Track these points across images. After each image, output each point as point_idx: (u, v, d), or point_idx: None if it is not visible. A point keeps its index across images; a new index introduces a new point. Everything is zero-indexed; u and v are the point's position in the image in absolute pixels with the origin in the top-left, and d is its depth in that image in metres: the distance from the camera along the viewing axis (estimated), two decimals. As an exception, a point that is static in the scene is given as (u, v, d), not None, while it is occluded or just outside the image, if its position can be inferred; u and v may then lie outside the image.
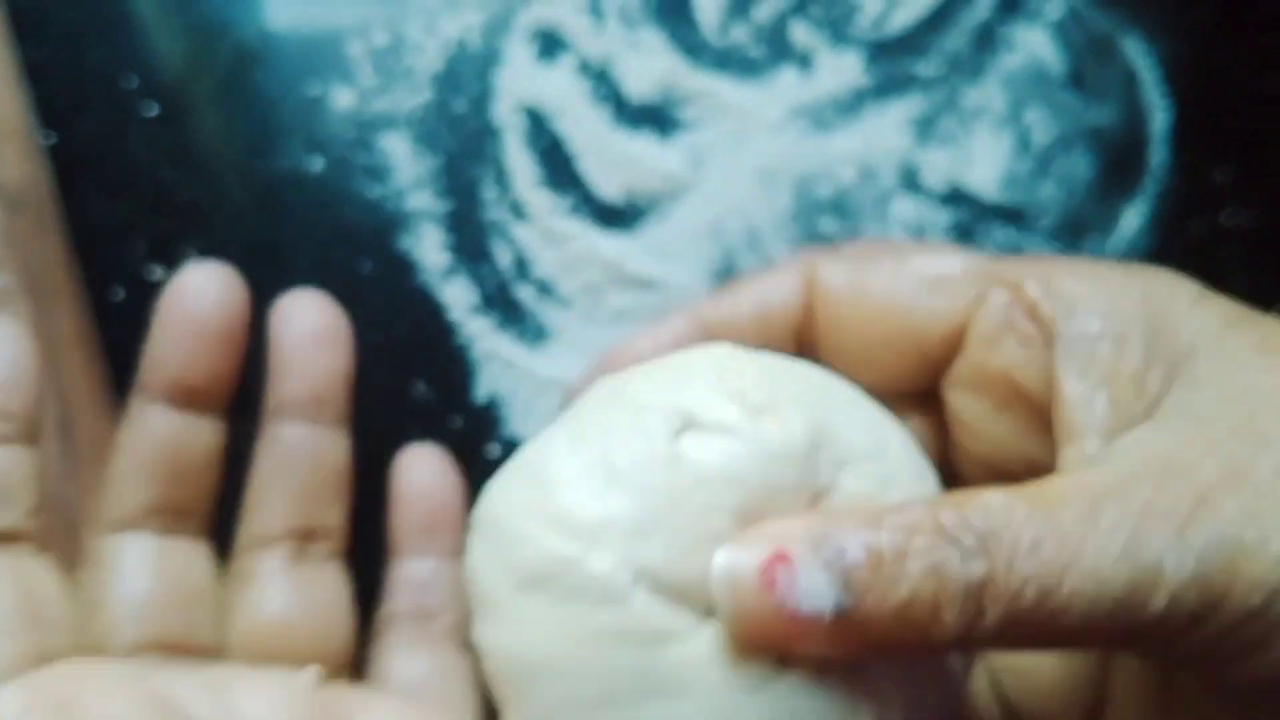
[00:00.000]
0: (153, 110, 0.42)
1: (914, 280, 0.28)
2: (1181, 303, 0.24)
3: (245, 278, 0.41)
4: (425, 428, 0.41)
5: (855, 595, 0.19)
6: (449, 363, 0.42)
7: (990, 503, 0.20)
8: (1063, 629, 0.19)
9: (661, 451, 0.23)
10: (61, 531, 0.36)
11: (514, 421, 0.41)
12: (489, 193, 0.43)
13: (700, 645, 0.22)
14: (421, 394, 0.41)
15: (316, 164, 0.42)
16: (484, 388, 0.42)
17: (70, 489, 0.36)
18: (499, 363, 0.42)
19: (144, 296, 0.41)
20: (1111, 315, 0.23)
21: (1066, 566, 0.19)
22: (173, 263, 0.41)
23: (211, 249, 0.41)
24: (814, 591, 0.19)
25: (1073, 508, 0.20)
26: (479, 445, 0.41)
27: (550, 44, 0.43)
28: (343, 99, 0.42)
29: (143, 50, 0.42)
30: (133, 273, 0.41)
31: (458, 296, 0.42)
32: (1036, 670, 0.26)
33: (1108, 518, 0.20)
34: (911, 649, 0.20)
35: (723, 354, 0.27)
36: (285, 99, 0.42)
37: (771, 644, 0.20)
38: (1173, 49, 0.45)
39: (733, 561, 0.20)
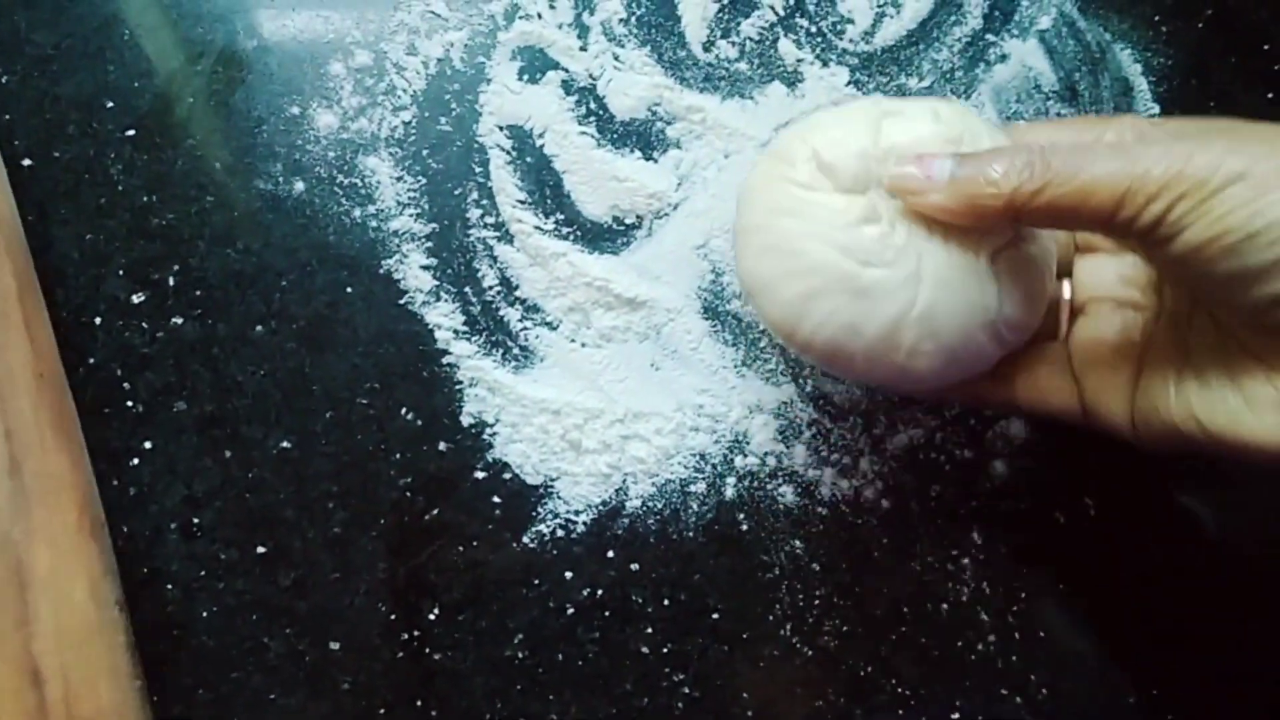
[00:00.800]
0: (130, 133, 0.41)
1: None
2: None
3: (226, 303, 0.40)
4: (412, 453, 0.40)
5: (962, 168, 0.32)
6: (435, 386, 0.41)
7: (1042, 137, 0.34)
8: (1084, 209, 0.30)
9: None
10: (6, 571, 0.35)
11: (500, 445, 0.41)
12: (473, 213, 0.42)
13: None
14: (408, 419, 0.40)
15: (298, 186, 0.41)
16: (470, 411, 0.41)
17: (18, 528, 0.35)
18: (485, 386, 0.41)
19: (122, 322, 0.40)
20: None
21: (1081, 167, 0.30)
22: (152, 288, 0.41)
23: (190, 274, 0.40)
24: (941, 166, 0.32)
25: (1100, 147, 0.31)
26: (466, 470, 0.40)
27: (535, 62, 0.42)
28: (324, 119, 0.42)
29: (120, 74, 0.41)
30: (110, 298, 0.40)
31: (442, 319, 0.41)
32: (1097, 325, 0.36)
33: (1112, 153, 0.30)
34: (995, 209, 0.31)
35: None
36: (266, 120, 0.42)
37: (920, 196, 0.33)
38: (1163, 62, 0.44)
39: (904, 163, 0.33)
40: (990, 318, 0.34)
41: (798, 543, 0.41)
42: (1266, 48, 0.45)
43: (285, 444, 0.40)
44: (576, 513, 0.40)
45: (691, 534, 0.41)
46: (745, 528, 0.41)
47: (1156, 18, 0.45)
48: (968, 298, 0.33)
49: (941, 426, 0.42)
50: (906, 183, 0.33)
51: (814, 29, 0.43)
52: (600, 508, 0.41)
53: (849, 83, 0.43)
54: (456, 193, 0.42)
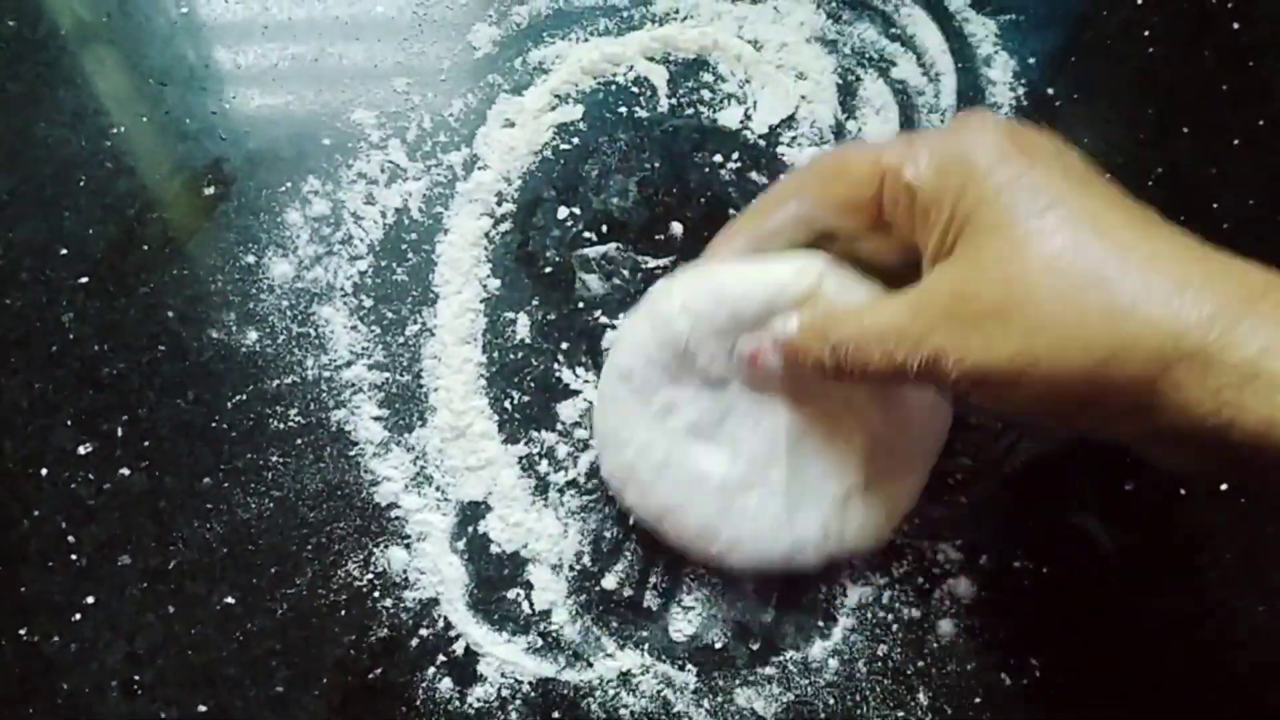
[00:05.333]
0: (83, 281, 0.41)
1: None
2: (982, 166, 0.32)
3: (174, 455, 0.40)
4: (357, 609, 0.40)
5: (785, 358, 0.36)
6: (382, 541, 0.41)
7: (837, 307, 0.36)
8: (870, 370, 0.33)
9: None
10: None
11: (446, 604, 0.40)
12: (428, 363, 0.42)
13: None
14: (354, 574, 0.40)
15: (250, 335, 0.41)
16: (418, 567, 0.41)
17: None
18: (433, 540, 0.41)
19: (69, 473, 0.40)
20: (938, 183, 0.33)
21: (865, 328, 0.33)
22: (100, 439, 0.40)
23: (139, 425, 0.40)
24: (770, 359, 0.36)
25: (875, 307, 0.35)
26: (412, 629, 0.40)
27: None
28: (280, 268, 0.42)
29: (75, 221, 0.42)
30: (58, 449, 0.40)
31: (392, 471, 0.41)
32: None
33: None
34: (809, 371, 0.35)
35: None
36: (221, 269, 0.42)
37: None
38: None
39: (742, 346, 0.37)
40: (824, 548, 0.38)
41: (742, 702, 0.41)
42: (1216, 206, 0.46)
43: (229, 599, 0.40)
44: (523, 675, 0.40)
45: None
46: (692, 685, 0.41)
47: (1107, 176, 0.46)
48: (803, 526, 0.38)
49: (890, 585, 0.42)
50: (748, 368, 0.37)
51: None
52: (547, 675, 0.40)
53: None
54: (411, 343, 0.42)
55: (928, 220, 0.33)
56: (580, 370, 0.42)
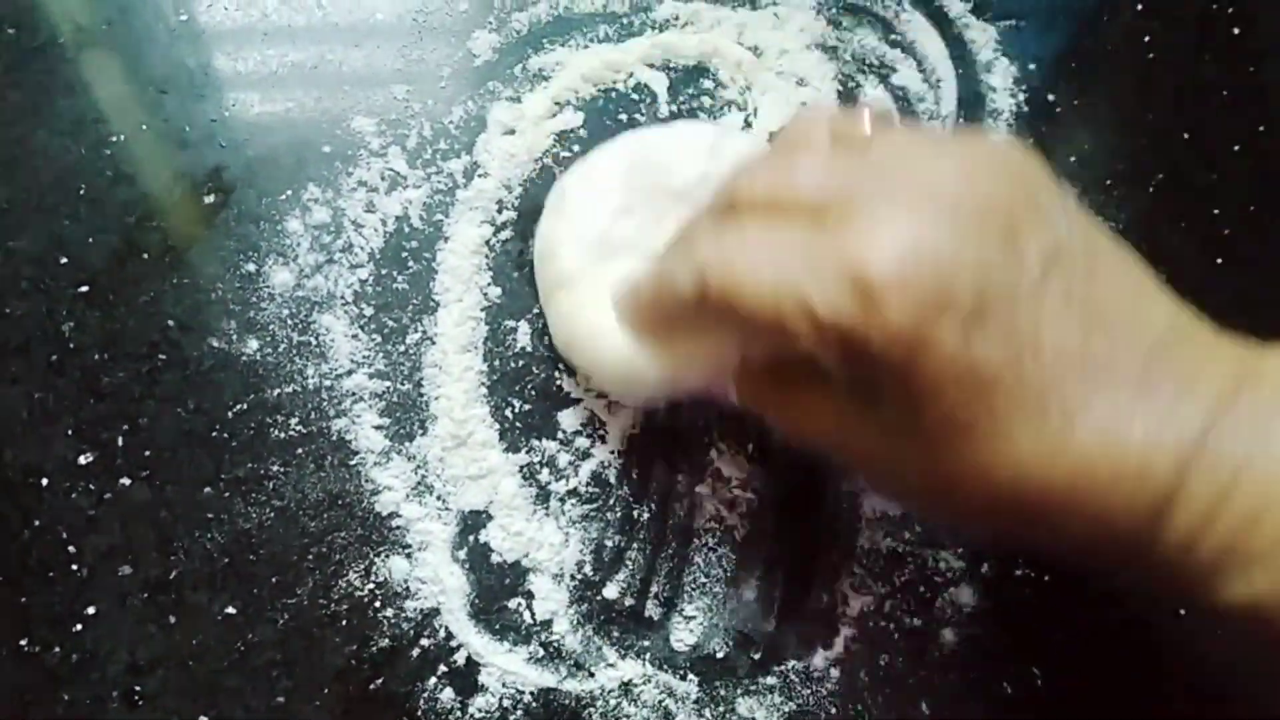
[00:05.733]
0: (83, 290, 0.41)
1: None
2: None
3: (175, 464, 0.40)
4: (358, 619, 0.40)
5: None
6: (384, 551, 0.40)
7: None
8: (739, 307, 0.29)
9: None
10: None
11: (447, 614, 0.40)
12: (429, 371, 0.42)
13: None
14: (355, 584, 0.40)
15: (251, 344, 0.41)
16: (418, 576, 0.41)
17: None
18: (434, 549, 0.41)
19: (70, 483, 0.40)
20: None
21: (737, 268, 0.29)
22: (101, 448, 0.40)
23: (140, 434, 0.40)
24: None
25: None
26: (413, 638, 0.40)
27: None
28: (280, 276, 0.42)
29: (74, 229, 0.41)
30: (59, 459, 0.40)
31: (393, 480, 0.41)
32: None
33: None
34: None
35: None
36: (221, 277, 0.42)
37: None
38: (1114, 225, 0.45)
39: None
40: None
41: (744, 712, 0.41)
42: (1216, 212, 0.46)
43: (230, 609, 0.40)
44: (524, 685, 0.40)
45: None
46: (694, 695, 0.41)
47: (1108, 182, 0.46)
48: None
49: (891, 594, 0.42)
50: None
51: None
52: (549, 685, 0.40)
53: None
54: (412, 351, 0.42)
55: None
56: (582, 379, 0.42)
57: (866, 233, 0.27)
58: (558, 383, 0.42)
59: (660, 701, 0.41)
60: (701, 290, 0.30)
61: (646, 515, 0.42)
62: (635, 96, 0.45)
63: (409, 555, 0.41)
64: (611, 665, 0.41)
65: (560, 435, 0.42)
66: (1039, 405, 0.27)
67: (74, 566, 0.40)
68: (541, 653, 0.40)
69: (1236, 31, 0.48)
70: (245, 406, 0.41)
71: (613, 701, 0.40)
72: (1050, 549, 0.29)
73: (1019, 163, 0.29)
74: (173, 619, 0.39)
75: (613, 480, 0.42)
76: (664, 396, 0.41)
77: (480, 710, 0.40)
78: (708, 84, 0.45)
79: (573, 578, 0.41)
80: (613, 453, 0.42)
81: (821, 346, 0.28)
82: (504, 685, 0.40)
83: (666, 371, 0.37)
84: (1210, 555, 0.27)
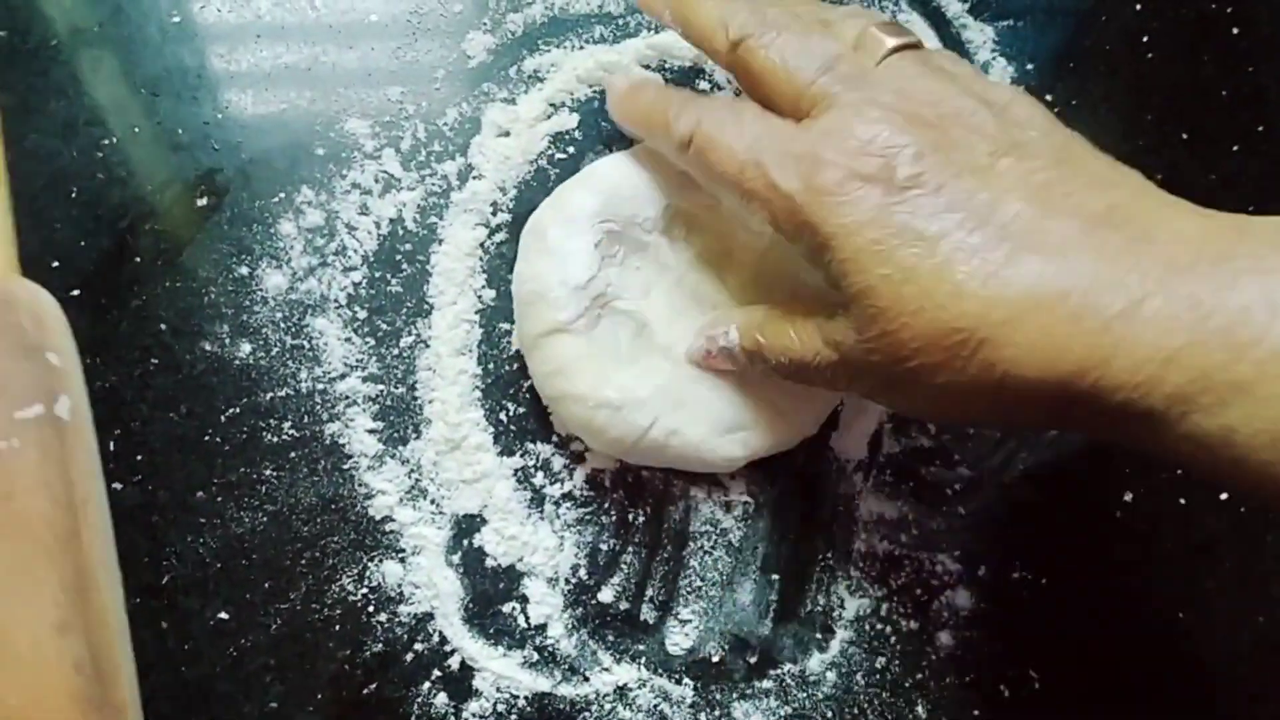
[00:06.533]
0: (75, 294, 0.41)
1: None
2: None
3: (167, 469, 0.40)
4: (351, 624, 0.40)
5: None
6: (377, 556, 0.40)
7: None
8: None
9: None
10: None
11: (441, 618, 0.40)
12: (422, 375, 0.42)
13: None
14: (348, 589, 0.40)
15: (244, 348, 0.41)
16: (412, 581, 0.40)
17: None
18: (427, 554, 0.40)
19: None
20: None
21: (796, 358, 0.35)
22: (91, 453, 0.40)
23: (132, 438, 0.40)
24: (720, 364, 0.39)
25: None
26: (407, 643, 0.40)
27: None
28: (273, 280, 0.42)
29: (66, 233, 0.41)
30: (50, 463, 0.40)
31: (386, 485, 0.41)
32: None
33: None
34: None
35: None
36: (214, 280, 0.41)
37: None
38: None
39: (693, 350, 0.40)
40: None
41: (739, 716, 0.41)
42: (1215, 213, 0.45)
43: (223, 615, 0.39)
44: (518, 690, 0.40)
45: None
46: (689, 699, 0.41)
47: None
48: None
49: (888, 597, 0.42)
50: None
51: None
52: (543, 690, 0.40)
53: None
54: (405, 355, 0.42)
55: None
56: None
57: (825, 125, 0.32)
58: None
59: (655, 706, 0.40)
60: (688, 136, 0.35)
61: (641, 519, 0.42)
62: (630, 98, 0.45)
63: (402, 560, 0.40)
64: (606, 669, 0.40)
65: (555, 439, 0.42)
66: (984, 249, 0.29)
67: (66, 571, 0.39)
68: (536, 657, 0.40)
69: (1235, 32, 0.48)
70: (238, 410, 0.41)
71: (608, 706, 0.40)
72: (1000, 410, 0.31)
73: (1025, 110, 0.33)
74: (164, 624, 0.39)
75: (607, 484, 0.42)
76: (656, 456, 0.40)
77: (475, 715, 0.40)
78: (703, 85, 0.45)
79: (567, 582, 0.41)
80: (609, 456, 0.42)
81: (774, 212, 0.33)
82: (498, 690, 0.40)
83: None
84: (1175, 389, 0.27)
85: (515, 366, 0.42)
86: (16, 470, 0.31)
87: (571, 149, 0.44)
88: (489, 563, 0.41)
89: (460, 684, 0.40)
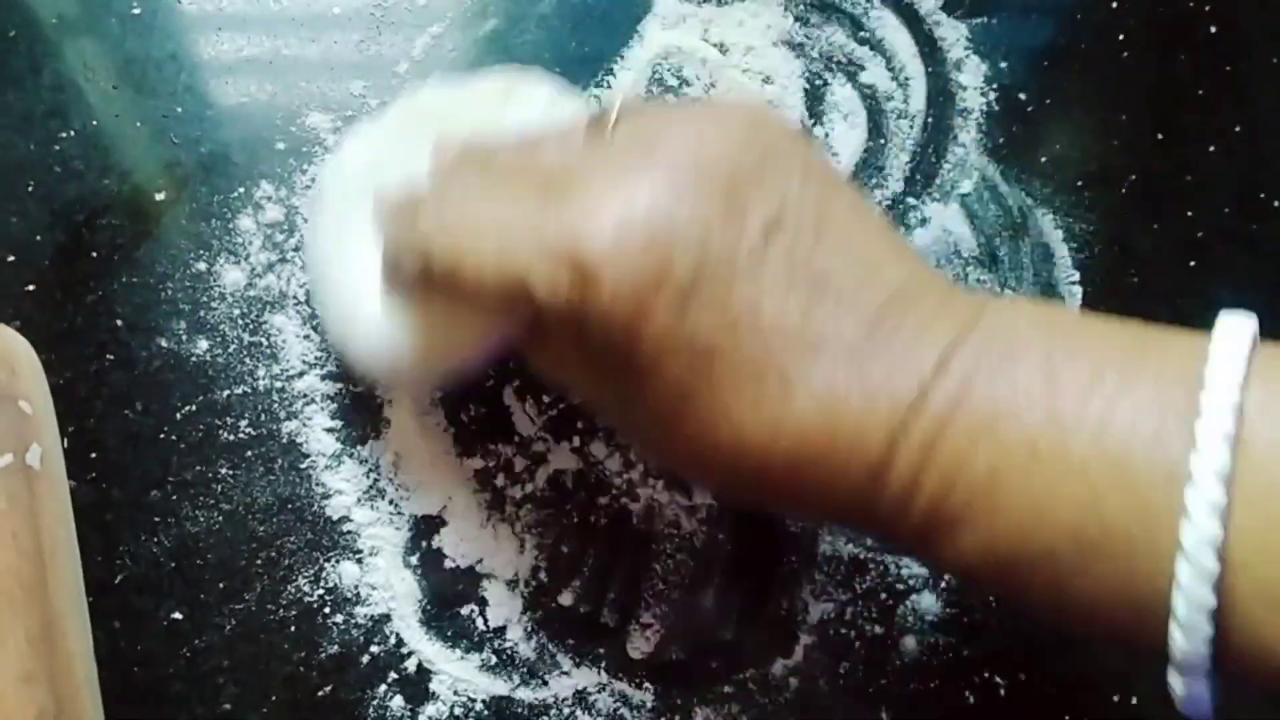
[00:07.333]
0: (30, 288, 0.40)
1: None
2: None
3: (121, 466, 0.40)
4: (307, 625, 0.39)
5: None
6: (333, 556, 0.40)
7: None
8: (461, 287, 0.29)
9: None
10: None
11: (398, 620, 0.40)
12: (381, 373, 0.41)
13: None
14: (304, 589, 0.40)
15: (201, 344, 0.40)
16: (369, 582, 0.40)
17: None
18: (385, 555, 0.40)
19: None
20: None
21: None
22: (45, 450, 0.39)
23: (86, 436, 0.40)
24: None
25: None
26: (362, 645, 0.39)
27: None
28: (231, 276, 0.41)
29: (21, 226, 0.41)
30: (2, 460, 0.39)
31: (344, 484, 0.40)
32: None
33: None
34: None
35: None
36: (171, 276, 0.41)
37: None
38: (1084, 228, 0.44)
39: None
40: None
41: (702, 721, 0.40)
42: (1190, 214, 0.45)
43: (176, 615, 0.39)
44: (476, 693, 0.39)
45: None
46: (650, 703, 0.40)
47: (1079, 183, 0.45)
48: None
49: (852, 601, 0.41)
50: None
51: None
52: (501, 693, 0.40)
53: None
54: (365, 352, 0.41)
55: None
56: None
57: (584, 206, 0.27)
58: (515, 386, 0.42)
59: (615, 710, 0.40)
60: (425, 264, 0.30)
61: (604, 521, 0.41)
62: (596, 91, 0.44)
63: (360, 560, 0.40)
64: (566, 673, 0.40)
65: (516, 439, 0.41)
66: (756, 376, 0.27)
67: (17, 570, 0.39)
68: (494, 660, 0.40)
69: (1213, 30, 0.47)
70: (194, 408, 0.40)
71: (567, 710, 0.40)
72: (787, 510, 0.30)
73: (751, 124, 0.29)
74: (117, 624, 0.39)
75: (570, 486, 0.41)
76: (440, 376, 0.38)
77: (431, 718, 0.39)
78: (672, 81, 0.45)
79: (527, 584, 0.41)
80: (571, 457, 0.41)
81: (548, 322, 0.28)
82: (455, 693, 0.39)
83: (427, 349, 0.34)
84: (919, 522, 0.26)
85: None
86: None
87: (536, 145, 0.43)
88: (448, 564, 0.40)
89: (417, 686, 0.39)
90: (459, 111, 0.36)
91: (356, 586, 0.40)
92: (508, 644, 0.40)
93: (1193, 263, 0.45)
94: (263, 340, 0.41)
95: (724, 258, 0.26)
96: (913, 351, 0.27)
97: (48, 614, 0.32)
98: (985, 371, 0.26)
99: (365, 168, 0.36)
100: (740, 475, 0.28)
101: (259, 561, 0.39)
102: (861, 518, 0.28)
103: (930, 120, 0.45)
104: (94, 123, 0.42)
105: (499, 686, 0.40)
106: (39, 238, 0.41)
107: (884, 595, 0.41)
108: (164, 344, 0.40)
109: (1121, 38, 0.46)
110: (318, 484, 0.40)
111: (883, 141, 0.45)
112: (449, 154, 0.33)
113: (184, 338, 0.40)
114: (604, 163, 0.28)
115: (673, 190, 0.27)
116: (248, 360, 0.41)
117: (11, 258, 0.40)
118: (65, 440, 0.39)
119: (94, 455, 0.40)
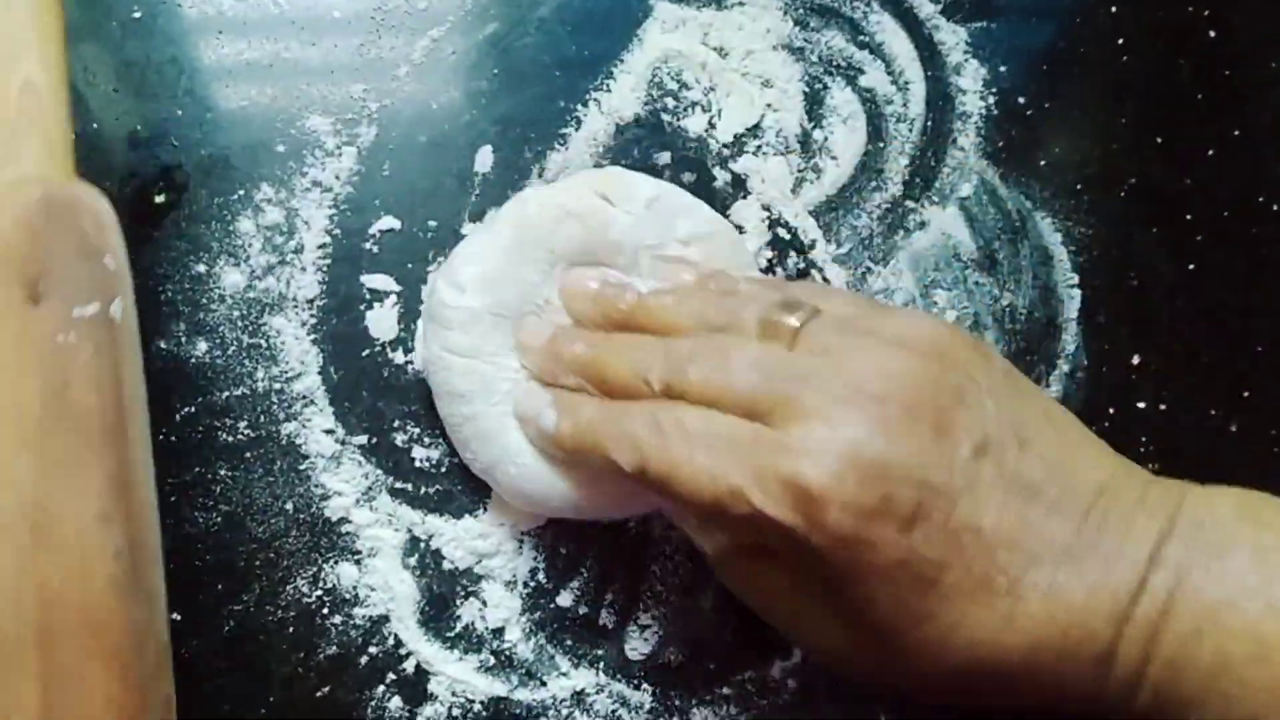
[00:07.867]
0: (31, 290, 0.40)
1: None
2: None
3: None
4: (305, 627, 0.39)
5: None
6: (332, 557, 0.40)
7: None
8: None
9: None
10: None
11: (396, 621, 0.40)
12: (381, 373, 0.41)
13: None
14: (302, 590, 0.40)
15: (200, 346, 0.41)
16: (367, 584, 0.40)
17: None
18: (384, 557, 0.40)
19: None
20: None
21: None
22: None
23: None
24: None
25: None
26: (361, 647, 0.40)
27: (447, 223, 0.42)
28: (231, 278, 0.41)
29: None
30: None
31: (343, 486, 0.40)
32: None
33: None
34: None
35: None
36: (171, 278, 0.41)
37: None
38: (1084, 231, 0.44)
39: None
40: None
41: (700, 724, 0.40)
42: (1189, 218, 0.45)
43: (175, 616, 0.39)
44: (474, 694, 0.40)
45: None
46: (648, 704, 0.40)
47: (1078, 186, 0.45)
48: None
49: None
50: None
51: (731, 196, 0.43)
52: (499, 694, 0.40)
53: (767, 243, 0.43)
54: (364, 354, 0.41)
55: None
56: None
57: (801, 440, 0.29)
58: (513, 387, 0.42)
59: (613, 711, 0.40)
60: (640, 469, 0.31)
61: (602, 523, 0.41)
62: (598, 95, 0.44)
63: (358, 562, 0.40)
64: (564, 674, 0.40)
65: (515, 441, 0.41)
66: (985, 584, 0.28)
67: (17, 571, 0.39)
68: (493, 661, 0.40)
69: (1212, 35, 0.47)
70: (193, 409, 0.40)
71: (565, 711, 0.40)
72: (1010, 703, 0.31)
73: (942, 351, 0.31)
74: (116, 625, 0.39)
75: (568, 487, 0.41)
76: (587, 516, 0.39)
77: (429, 719, 0.39)
78: (671, 85, 0.45)
79: (526, 585, 0.41)
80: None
81: (764, 536, 0.30)
82: (454, 694, 0.39)
83: (580, 496, 0.37)
84: (1146, 705, 0.28)
85: (475, 367, 0.42)
86: (72, 364, 0.32)
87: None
88: (446, 565, 0.40)
89: (415, 688, 0.39)
90: (565, 220, 0.37)
91: (355, 587, 0.40)
92: (506, 645, 0.40)
93: (1191, 266, 0.45)
94: (262, 342, 0.41)
95: (942, 484, 0.29)
96: (1125, 545, 0.29)
97: (125, 458, 0.33)
98: (1199, 563, 0.28)
99: (483, 284, 0.37)
100: (970, 678, 0.30)
101: (257, 563, 0.40)
102: (1088, 703, 0.30)
103: (930, 124, 0.45)
104: (94, 126, 0.42)
105: (497, 687, 0.40)
106: (40, 239, 0.41)
107: (882, 598, 0.41)
108: (164, 346, 0.40)
109: (1121, 42, 0.47)
110: (316, 485, 0.40)
111: (882, 145, 0.45)
112: (584, 286, 0.37)
113: (183, 339, 0.41)
114: (807, 388, 0.30)
115: (886, 430, 0.29)
116: (247, 362, 0.41)
117: (12, 259, 0.40)
118: (65, 441, 0.39)
119: (94, 456, 0.40)
